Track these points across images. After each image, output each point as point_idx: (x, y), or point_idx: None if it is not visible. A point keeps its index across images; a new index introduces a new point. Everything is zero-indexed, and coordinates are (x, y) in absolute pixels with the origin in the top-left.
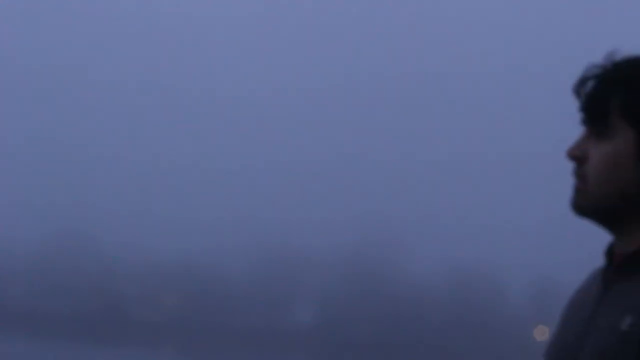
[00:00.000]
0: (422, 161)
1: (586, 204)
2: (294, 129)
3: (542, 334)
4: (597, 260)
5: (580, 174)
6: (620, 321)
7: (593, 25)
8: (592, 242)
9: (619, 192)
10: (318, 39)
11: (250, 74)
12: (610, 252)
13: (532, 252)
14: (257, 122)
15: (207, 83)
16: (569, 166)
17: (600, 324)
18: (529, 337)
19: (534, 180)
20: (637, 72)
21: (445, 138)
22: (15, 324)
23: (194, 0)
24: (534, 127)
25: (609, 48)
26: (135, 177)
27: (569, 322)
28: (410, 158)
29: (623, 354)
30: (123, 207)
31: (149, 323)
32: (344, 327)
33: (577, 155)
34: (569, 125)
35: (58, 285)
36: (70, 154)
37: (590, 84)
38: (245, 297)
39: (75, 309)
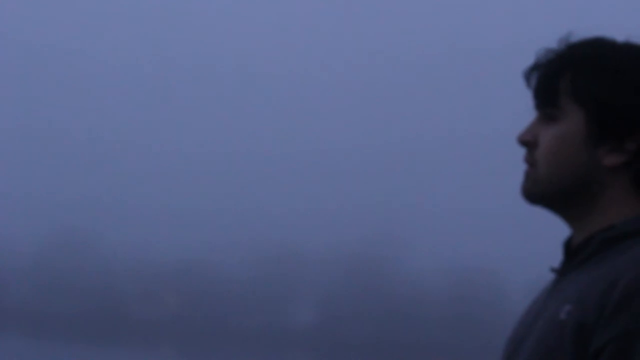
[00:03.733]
0: (423, 158)
1: (537, 190)
2: (291, 126)
3: None
4: None
5: (530, 160)
6: (560, 311)
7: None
8: None
9: (570, 175)
10: (310, 35)
11: (252, 70)
12: (568, 244)
13: (533, 248)
14: (254, 119)
15: (205, 79)
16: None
17: (545, 314)
18: None
19: None
20: (586, 52)
21: (446, 134)
22: (14, 322)
23: None
24: None
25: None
26: (134, 175)
27: (524, 315)
28: (410, 155)
29: (560, 342)
30: (122, 205)
31: (148, 322)
32: (345, 326)
33: (528, 140)
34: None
35: (57, 284)
36: (68, 151)
37: (542, 68)
38: (245, 297)
39: (74, 307)
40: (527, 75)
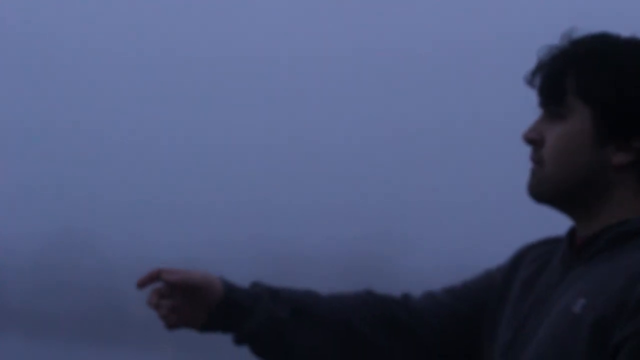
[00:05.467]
0: (423, 153)
1: (543, 189)
2: (290, 124)
3: None
4: None
5: (536, 158)
6: (574, 304)
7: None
8: None
9: (577, 174)
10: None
11: (249, 66)
12: (571, 236)
13: None
14: (253, 117)
15: (206, 76)
16: None
17: (555, 307)
18: None
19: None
20: (593, 49)
21: (448, 127)
22: (14, 322)
23: None
24: None
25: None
26: (135, 173)
27: (517, 301)
28: (410, 149)
29: (574, 337)
30: (123, 203)
31: (148, 322)
32: None
33: (534, 138)
34: None
35: (57, 283)
36: (69, 149)
37: (546, 66)
38: None
39: (74, 306)
40: (531, 74)
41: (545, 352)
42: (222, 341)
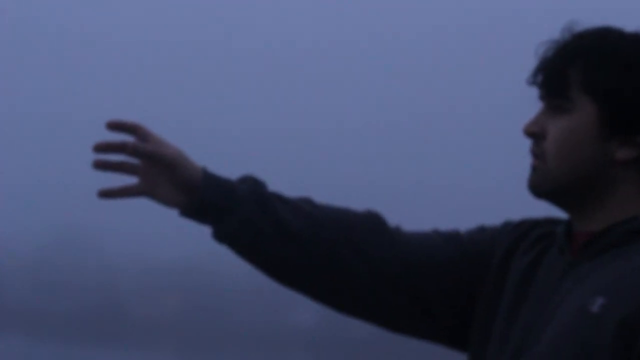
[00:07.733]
0: (424, 140)
1: (545, 184)
2: (289, 120)
3: None
4: None
5: (538, 152)
6: (591, 303)
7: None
8: None
9: (580, 169)
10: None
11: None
12: (567, 230)
13: None
14: (253, 114)
15: (209, 68)
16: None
17: (565, 304)
18: None
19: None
20: (598, 43)
21: (453, 119)
22: (14, 321)
23: None
24: None
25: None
26: None
27: (523, 299)
28: (411, 142)
29: (594, 337)
30: (124, 201)
31: (148, 322)
32: (345, 325)
33: (535, 132)
34: None
35: (56, 282)
36: (69, 146)
37: (549, 58)
38: (246, 296)
39: (74, 306)
40: (534, 73)
41: (559, 352)
42: (221, 341)
